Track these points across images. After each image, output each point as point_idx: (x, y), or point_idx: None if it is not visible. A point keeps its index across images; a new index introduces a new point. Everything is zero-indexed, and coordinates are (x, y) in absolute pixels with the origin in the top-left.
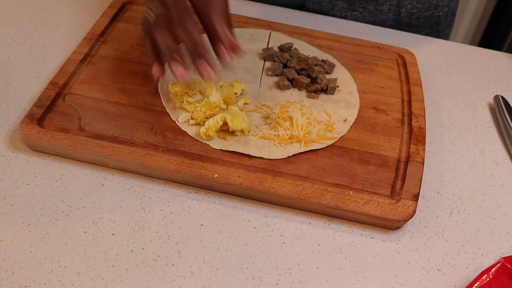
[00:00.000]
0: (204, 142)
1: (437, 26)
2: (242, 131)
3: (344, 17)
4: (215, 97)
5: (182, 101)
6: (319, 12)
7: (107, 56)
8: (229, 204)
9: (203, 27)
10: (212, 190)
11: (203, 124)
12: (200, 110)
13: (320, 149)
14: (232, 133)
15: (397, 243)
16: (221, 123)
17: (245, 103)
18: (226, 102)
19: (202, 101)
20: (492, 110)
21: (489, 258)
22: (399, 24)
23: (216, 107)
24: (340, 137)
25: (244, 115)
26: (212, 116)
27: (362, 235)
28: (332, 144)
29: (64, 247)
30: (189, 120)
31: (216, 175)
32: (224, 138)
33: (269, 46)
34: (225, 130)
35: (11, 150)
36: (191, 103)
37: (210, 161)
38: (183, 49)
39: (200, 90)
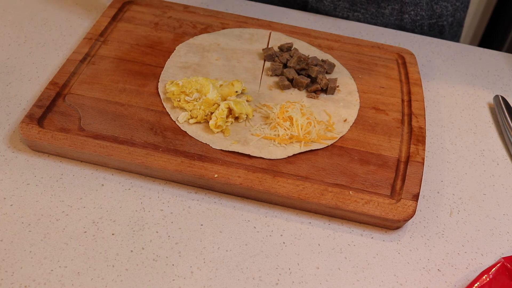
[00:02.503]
0: (204, 142)
1: (441, 35)
2: (246, 116)
3: (346, 18)
4: (212, 94)
5: (180, 100)
6: (321, 12)
7: (107, 56)
8: (229, 204)
9: None
10: (212, 190)
11: (204, 122)
12: (200, 108)
13: (320, 149)
14: (237, 119)
15: (397, 243)
16: (226, 110)
17: (247, 100)
18: (224, 99)
19: (199, 99)
20: (492, 110)
21: (489, 258)
22: (401, 29)
23: (214, 104)
24: (340, 137)
25: (244, 101)
26: (212, 113)
27: (362, 235)
28: (332, 144)
29: (64, 247)
30: (189, 119)
31: (216, 175)
32: (223, 132)
33: (269, 46)
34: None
35: (11, 150)
36: (189, 102)
37: (210, 161)
38: None
39: (197, 89)
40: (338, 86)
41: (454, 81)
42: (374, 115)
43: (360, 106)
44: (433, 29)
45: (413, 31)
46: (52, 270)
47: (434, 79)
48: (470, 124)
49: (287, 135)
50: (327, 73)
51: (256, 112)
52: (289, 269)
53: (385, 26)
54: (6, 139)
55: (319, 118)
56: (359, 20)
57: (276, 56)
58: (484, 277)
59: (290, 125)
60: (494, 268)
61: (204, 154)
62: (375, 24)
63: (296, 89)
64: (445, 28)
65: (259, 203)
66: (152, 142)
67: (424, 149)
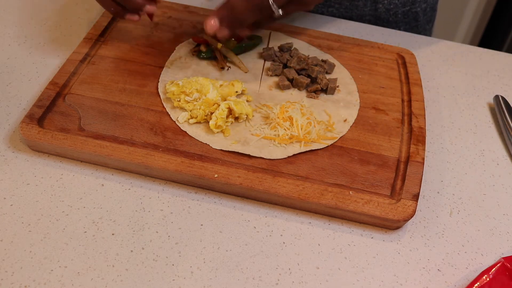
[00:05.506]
0: (204, 142)
1: (416, 22)
2: (246, 116)
3: (321, 14)
4: (212, 94)
5: (180, 100)
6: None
7: (107, 56)
8: (229, 204)
9: None
10: (212, 190)
11: (204, 122)
12: (200, 108)
13: (320, 149)
14: (237, 119)
15: (397, 243)
16: (226, 110)
17: (247, 100)
18: (224, 100)
19: (199, 99)
20: (492, 110)
21: (489, 258)
22: (377, 19)
23: (214, 103)
24: (340, 137)
25: (244, 101)
26: (212, 113)
27: (362, 235)
28: (332, 144)
29: (64, 247)
30: (189, 119)
31: (216, 175)
32: (223, 132)
33: (269, 46)
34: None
35: (11, 150)
36: (189, 102)
37: (210, 161)
38: None
39: (197, 89)
40: (338, 86)
41: (454, 81)
42: (374, 115)
43: (360, 106)
44: (408, 16)
45: (387, 20)
46: (52, 270)
47: (434, 79)
48: (470, 124)
49: (287, 135)
50: (327, 73)
51: (256, 112)
52: (289, 269)
53: (361, 18)
54: (6, 139)
55: (319, 118)
56: (333, 15)
57: (276, 56)
58: (484, 277)
59: (290, 125)
60: (494, 268)
61: (204, 154)
62: (350, 17)
63: (296, 89)
64: (419, 15)
65: (259, 203)
66: (152, 142)
67: (424, 149)
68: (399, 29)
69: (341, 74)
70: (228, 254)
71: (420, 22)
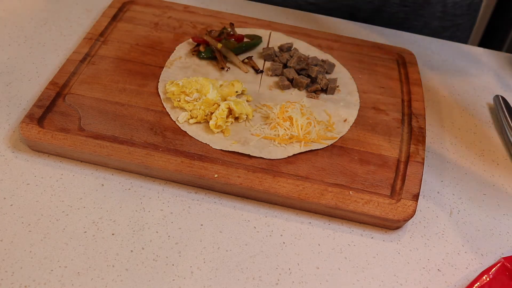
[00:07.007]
0: (204, 142)
1: (475, 13)
2: (246, 116)
3: (395, 13)
4: (212, 94)
5: (180, 100)
6: (373, 11)
7: (107, 56)
8: (229, 204)
9: None
10: (212, 190)
11: (204, 122)
12: (200, 108)
13: (320, 149)
14: (237, 119)
15: (397, 243)
16: (226, 110)
17: (247, 100)
18: (224, 100)
19: (199, 99)
20: (492, 110)
21: (489, 258)
22: (445, 14)
23: (214, 104)
24: (340, 137)
25: (244, 101)
26: (212, 113)
27: (362, 235)
28: (332, 144)
29: (64, 247)
30: (189, 119)
31: (216, 175)
32: (223, 132)
33: (269, 46)
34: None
35: (11, 150)
36: (189, 102)
37: (210, 161)
38: None
39: (197, 89)
40: (338, 86)
41: (454, 81)
42: (374, 115)
43: (360, 106)
44: (470, 8)
45: (454, 14)
46: (52, 270)
47: (434, 79)
48: (470, 124)
49: (287, 135)
50: (327, 73)
51: (256, 112)
52: (289, 269)
53: (432, 15)
54: (6, 139)
55: (319, 118)
56: (407, 14)
57: (276, 56)
58: (484, 277)
59: (290, 125)
60: (494, 268)
61: (204, 154)
62: (422, 14)
63: (296, 89)
64: (478, 5)
65: (259, 203)
66: (152, 142)
67: (424, 149)
68: (462, 21)
69: (341, 74)
70: (228, 254)
71: (477, 13)
